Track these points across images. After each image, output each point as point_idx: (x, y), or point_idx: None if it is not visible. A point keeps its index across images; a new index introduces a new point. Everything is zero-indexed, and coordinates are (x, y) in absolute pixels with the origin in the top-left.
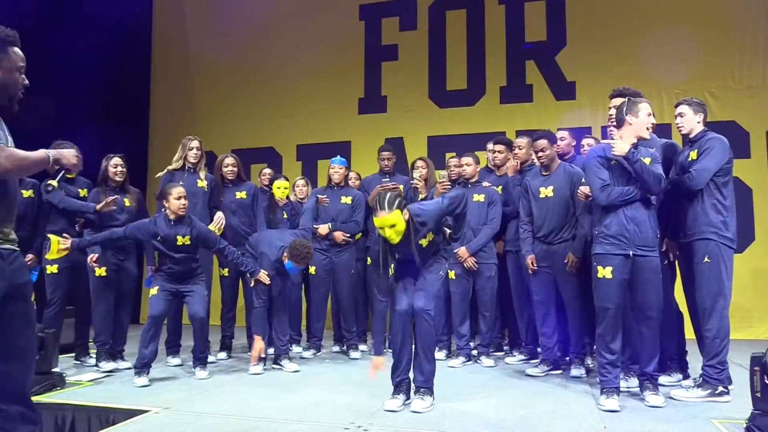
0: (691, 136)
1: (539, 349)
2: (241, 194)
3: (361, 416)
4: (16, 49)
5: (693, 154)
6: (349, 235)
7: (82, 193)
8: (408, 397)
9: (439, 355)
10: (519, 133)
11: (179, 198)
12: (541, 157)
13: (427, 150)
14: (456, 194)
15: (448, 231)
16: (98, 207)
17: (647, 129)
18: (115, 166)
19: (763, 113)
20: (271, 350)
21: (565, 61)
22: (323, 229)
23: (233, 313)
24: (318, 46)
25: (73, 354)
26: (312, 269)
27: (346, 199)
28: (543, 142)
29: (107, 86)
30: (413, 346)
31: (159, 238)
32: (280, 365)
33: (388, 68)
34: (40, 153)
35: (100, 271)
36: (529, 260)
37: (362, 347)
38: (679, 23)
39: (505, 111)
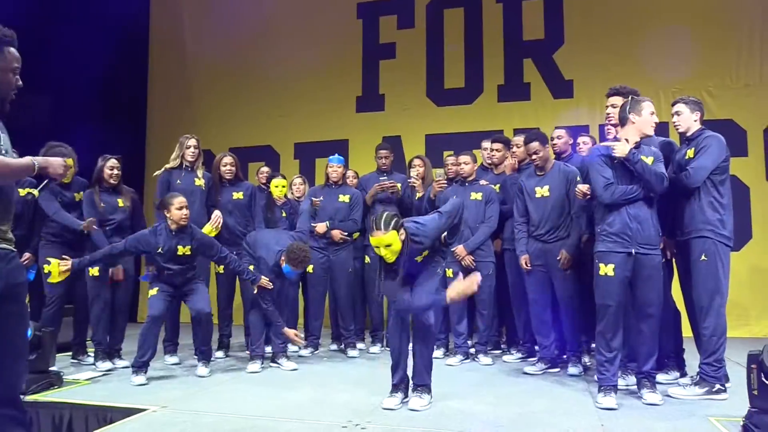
0: (688, 134)
1: (537, 347)
2: (238, 194)
3: (359, 414)
4: (12, 50)
5: (690, 153)
6: (346, 233)
7: (78, 197)
8: (406, 396)
9: (437, 353)
10: (517, 132)
11: (181, 208)
12: (534, 158)
13: (424, 148)
14: (453, 208)
15: (443, 235)
16: (84, 226)
17: (651, 127)
18: (111, 168)
19: (761, 112)
20: (268, 349)
21: (562, 60)
22: (321, 227)
23: (230, 311)
24: (316, 44)
25: (71, 353)
26: (310, 268)
27: (344, 198)
28: (535, 145)
29: (104, 85)
30: (411, 345)
31: (160, 250)
32: (278, 364)
33: (385, 66)
34: (25, 161)
35: (94, 271)
36: (523, 260)
37: (360, 345)
38: (677, 22)
39: (502, 109)
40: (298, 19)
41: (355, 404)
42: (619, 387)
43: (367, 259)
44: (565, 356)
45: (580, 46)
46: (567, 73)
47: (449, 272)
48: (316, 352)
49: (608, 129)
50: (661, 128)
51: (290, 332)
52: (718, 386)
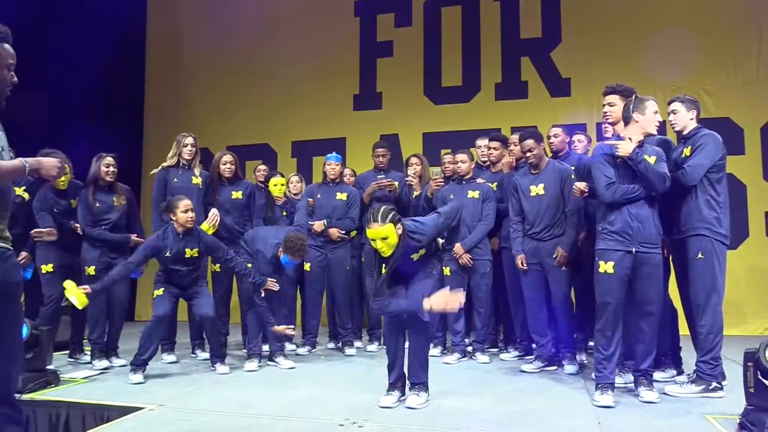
0: (685, 133)
1: (534, 346)
2: (237, 194)
3: (356, 413)
4: (7, 46)
5: (686, 151)
6: (344, 231)
7: (74, 203)
8: (403, 394)
9: (434, 351)
10: (514, 130)
11: (186, 211)
12: (529, 156)
13: (422, 147)
14: (451, 209)
15: (440, 241)
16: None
17: (654, 126)
18: (107, 165)
19: (758, 110)
20: (266, 347)
21: (560, 58)
22: (318, 225)
23: (227, 309)
24: (313, 42)
25: (68, 351)
26: (307, 266)
27: (341, 196)
28: (530, 142)
29: (101, 84)
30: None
31: (168, 253)
32: (275, 362)
33: (383, 65)
34: (15, 163)
35: (90, 270)
36: (519, 260)
37: (357, 344)
38: (674, 20)
39: (500, 107)
40: (296, 17)
41: (353, 402)
42: (616, 385)
43: (364, 259)
44: (560, 354)
45: (577, 44)
46: (564, 72)
47: (447, 270)
48: (313, 350)
49: (605, 127)
50: (659, 127)
51: (280, 328)
52: (714, 384)
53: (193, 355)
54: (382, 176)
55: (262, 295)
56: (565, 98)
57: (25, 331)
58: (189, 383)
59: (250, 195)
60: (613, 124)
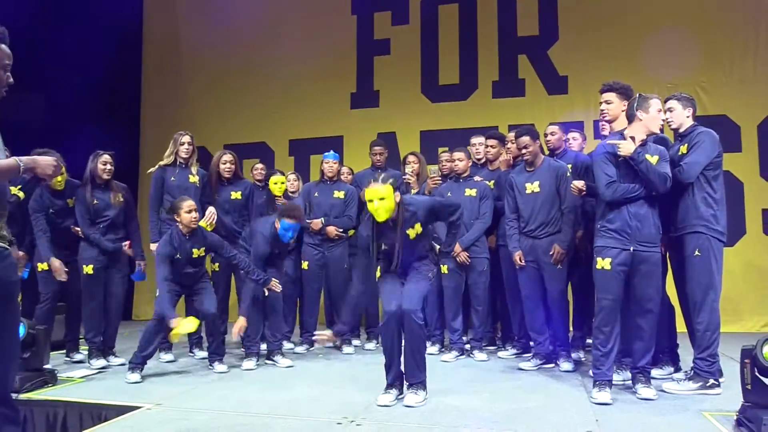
0: (681, 130)
1: (531, 343)
2: (236, 194)
3: (354, 411)
4: (3, 46)
5: (683, 149)
6: (341, 230)
7: (71, 203)
8: (401, 392)
9: (432, 349)
10: (511, 128)
11: (190, 211)
12: (524, 153)
13: (419, 145)
14: (449, 200)
15: (437, 246)
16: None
17: (658, 125)
18: (104, 163)
19: (754, 107)
20: (264, 346)
21: (557, 56)
22: (316, 224)
23: (226, 309)
24: (310, 40)
25: (64, 350)
26: (305, 264)
27: (339, 194)
28: (525, 139)
29: (99, 84)
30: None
31: (178, 255)
32: (273, 361)
33: (380, 63)
34: (9, 161)
35: (87, 269)
36: (516, 257)
37: (355, 342)
38: (671, 18)
39: (497, 105)
40: (293, 16)
41: (350, 401)
42: (614, 382)
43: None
44: (557, 351)
45: (574, 42)
46: (561, 69)
47: (444, 268)
48: (311, 349)
49: (602, 125)
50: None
51: (240, 321)
52: (711, 381)
53: (191, 354)
54: (380, 174)
55: (266, 294)
56: (563, 96)
57: (22, 330)
58: (187, 382)
59: (249, 195)
60: (609, 121)
